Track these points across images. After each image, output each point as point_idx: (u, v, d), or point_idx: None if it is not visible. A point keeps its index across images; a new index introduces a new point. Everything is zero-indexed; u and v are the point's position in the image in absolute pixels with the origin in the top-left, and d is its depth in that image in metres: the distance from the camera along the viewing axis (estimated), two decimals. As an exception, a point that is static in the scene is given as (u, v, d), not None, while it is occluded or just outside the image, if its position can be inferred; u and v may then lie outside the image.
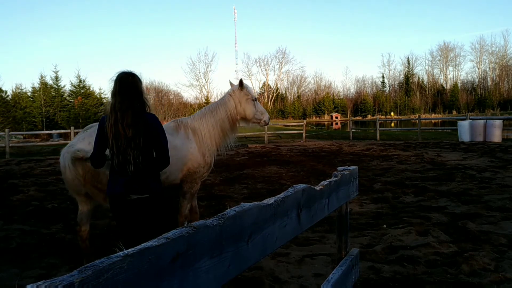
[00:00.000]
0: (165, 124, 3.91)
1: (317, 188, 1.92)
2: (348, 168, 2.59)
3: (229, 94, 4.38)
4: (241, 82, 4.36)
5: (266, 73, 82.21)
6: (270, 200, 1.40)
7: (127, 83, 2.69)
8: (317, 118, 67.25)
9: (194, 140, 4.12)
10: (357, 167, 2.82)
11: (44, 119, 43.50)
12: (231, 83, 4.59)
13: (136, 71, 2.85)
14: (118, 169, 2.69)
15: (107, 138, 2.67)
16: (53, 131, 25.70)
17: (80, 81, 47.47)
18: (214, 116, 4.25)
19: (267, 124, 4.58)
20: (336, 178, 2.27)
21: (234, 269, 1.16)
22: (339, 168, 2.56)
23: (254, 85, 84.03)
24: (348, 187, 2.53)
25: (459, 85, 78.40)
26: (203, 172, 4.19)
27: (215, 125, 4.23)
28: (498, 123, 16.62)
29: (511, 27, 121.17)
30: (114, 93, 2.68)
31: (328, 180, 2.14)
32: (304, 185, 1.74)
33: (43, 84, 46.20)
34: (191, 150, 4.07)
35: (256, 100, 4.41)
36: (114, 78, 2.74)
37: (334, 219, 3.67)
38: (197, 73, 77.86)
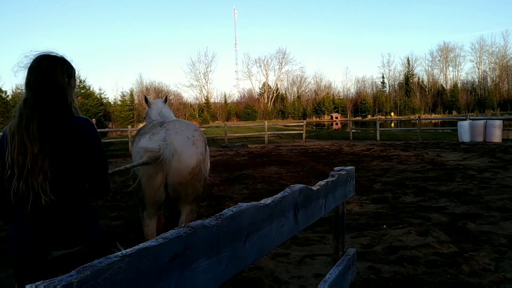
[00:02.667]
0: (184, 121, 3.67)
1: (314, 188, 1.93)
2: (345, 168, 2.60)
3: (165, 106, 4.54)
4: (167, 97, 4.75)
5: (266, 74, 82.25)
6: (267, 200, 1.41)
7: (40, 70, 1.82)
8: (317, 118, 67.24)
9: None
10: (353, 167, 2.83)
11: (44, 120, 43.42)
12: (146, 98, 4.67)
13: (59, 53, 1.93)
14: (17, 203, 1.78)
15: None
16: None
17: (80, 81, 47.47)
18: None
19: None
20: (333, 178, 2.28)
21: (231, 269, 1.17)
22: (336, 168, 2.57)
23: (254, 85, 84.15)
24: (345, 187, 2.54)
25: (459, 85, 78.35)
26: None
27: None
28: (498, 123, 16.62)
29: (511, 27, 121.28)
30: (25, 85, 1.84)
31: (325, 180, 2.15)
32: (301, 185, 1.75)
33: (44, 84, 46.13)
34: None
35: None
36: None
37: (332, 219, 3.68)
38: (197, 74, 77.86)
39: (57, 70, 1.85)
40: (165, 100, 4.66)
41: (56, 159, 1.74)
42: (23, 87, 1.87)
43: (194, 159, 3.17)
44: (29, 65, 1.84)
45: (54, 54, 1.89)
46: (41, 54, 1.86)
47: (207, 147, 3.62)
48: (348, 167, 2.68)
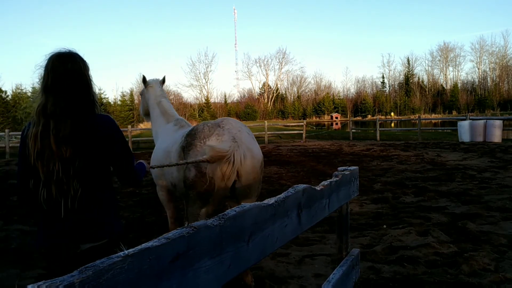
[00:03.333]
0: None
1: (318, 188, 1.92)
2: (349, 168, 2.59)
3: (164, 92, 4.48)
4: (164, 79, 4.48)
5: (266, 73, 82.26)
6: (271, 200, 1.41)
7: (64, 72, 1.77)
8: (317, 118, 67.25)
9: None
10: (357, 167, 2.82)
11: (44, 119, 43.44)
12: (144, 77, 4.43)
13: (77, 51, 1.89)
14: (49, 207, 1.77)
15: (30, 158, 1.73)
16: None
17: (80, 81, 47.43)
18: None
19: None
20: (337, 178, 2.28)
21: (234, 269, 1.16)
22: (339, 168, 2.57)
23: (254, 85, 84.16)
24: (349, 187, 2.53)
25: (459, 85, 78.38)
26: None
27: None
28: (498, 123, 16.62)
29: (511, 27, 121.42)
30: (45, 88, 1.78)
31: (328, 180, 2.14)
32: (304, 185, 1.74)
33: (43, 84, 46.15)
34: None
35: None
36: (45, 63, 1.82)
37: (335, 220, 3.67)
38: (197, 73, 77.88)
39: (82, 69, 1.85)
40: (163, 81, 4.48)
41: (86, 160, 1.76)
42: (40, 89, 1.82)
43: (260, 154, 3.19)
44: (47, 65, 1.80)
45: (71, 52, 1.87)
46: (59, 53, 1.82)
47: None
48: (352, 167, 2.67)
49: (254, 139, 3.21)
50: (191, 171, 3.03)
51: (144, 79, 4.35)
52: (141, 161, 2.29)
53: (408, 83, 79.64)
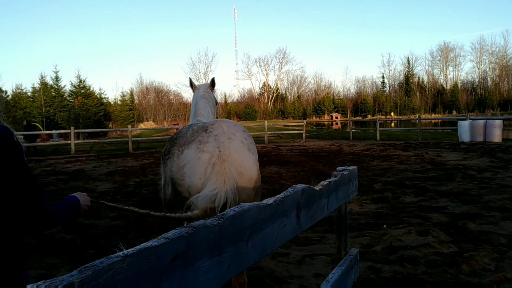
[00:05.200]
0: (227, 120, 2.98)
1: (317, 188, 1.92)
2: (348, 168, 2.60)
3: (207, 94, 3.75)
4: (213, 81, 3.84)
5: (266, 73, 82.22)
6: (270, 200, 1.41)
7: None
8: (317, 118, 67.23)
9: None
10: (356, 167, 2.82)
11: (44, 119, 43.52)
12: (191, 80, 3.96)
13: None
14: None
15: None
16: (53, 131, 25.71)
17: (80, 81, 47.52)
18: (209, 117, 3.61)
19: None
20: (336, 178, 2.28)
21: (233, 269, 1.16)
22: (338, 168, 2.57)
23: (254, 85, 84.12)
24: (348, 187, 2.53)
25: (459, 85, 78.35)
26: None
27: None
28: (498, 123, 16.62)
29: (511, 27, 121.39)
30: None
31: (327, 180, 2.14)
32: (303, 185, 1.74)
33: (43, 84, 46.21)
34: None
35: (217, 104, 3.96)
36: None
37: (334, 219, 3.67)
38: (197, 73, 77.79)
39: None
40: (212, 84, 3.85)
41: None
42: None
43: (255, 169, 2.53)
44: None
45: None
46: None
47: None
48: (351, 167, 2.67)
49: (250, 148, 2.57)
50: (168, 188, 2.55)
51: (190, 82, 3.97)
52: (75, 194, 1.77)
53: (408, 83, 79.61)
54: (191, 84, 3.92)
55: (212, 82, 3.86)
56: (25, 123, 21.73)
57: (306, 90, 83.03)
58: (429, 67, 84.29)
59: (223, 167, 2.32)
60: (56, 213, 1.58)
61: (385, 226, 4.98)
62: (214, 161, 2.34)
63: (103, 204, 2.06)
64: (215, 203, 2.23)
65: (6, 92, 41.67)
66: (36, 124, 23.43)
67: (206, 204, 2.21)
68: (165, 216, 2.20)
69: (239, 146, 2.50)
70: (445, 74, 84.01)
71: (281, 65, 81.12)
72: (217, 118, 3.88)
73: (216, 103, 3.97)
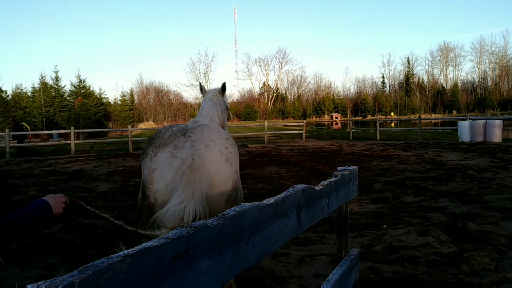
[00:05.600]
0: (188, 123, 2.94)
1: (317, 188, 1.92)
2: (348, 168, 2.59)
3: (215, 97, 3.65)
4: (224, 85, 3.74)
5: (266, 73, 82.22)
6: (270, 200, 1.41)
7: None
8: (317, 118, 67.23)
9: None
10: (357, 167, 2.82)
11: (44, 119, 43.52)
12: (201, 85, 3.96)
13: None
14: None
15: None
16: (53, 131, 25.71)
17: (80, 81, 47.54)
18: (215, 120, 3.50)
19: None
20: (336, 178, 2.28)
21: (234, 269, 1.16)
22: (339, 168, 2.57)
23: (254, 85, 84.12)
24: (348, 187, 2.53)
25: (459, 85, 78.37)
26: None
27: None
28: (498, 123, 16.62)
29: (511, 27, 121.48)
30: None
31: (328, 180, 2.14)
32: (304, 185, 1.74)
33: (43, 84, 46.21)
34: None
35: (228, 110, 3.88)
36: None
37: (334, 219, 3.67)
38: (197, 73, 77.78)
39: None
40: (222, 89, 3.73)
41: None
42: None
43: (230, 182, 2.34)
44: None
45: None
46: None
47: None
48: (352, 167, 2.67)
49: (229, 159, 2.37)
50: (139, 194, 2.42)
51: (200, 87, 3.92)
52: (45, 197, 1.70)
53: (408, 83, 79.62)
54: (201, 89, 3.87)
55: (223, 87, 3.74)
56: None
57: (306, 90, 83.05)
58: (429, 67, 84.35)
59: (192, 176, 2.15)
60: (11, 222, 1.45)
61: (385, 226, 4.98)
62: (185, 169, 2.17)
63: (81, 206, 1.92)
64: (183, 220, 2.05)
65: (6, 92, 41.68)
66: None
67: (174, 222, 2.03)
68: (136, 232, 2.03)
69: (216, 155, 2.32)
70: (445, 74, 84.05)
71: (281, 65, 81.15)
72: (227, 123, 3.83)
73: (227, 108, 3.86)
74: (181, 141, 2.31)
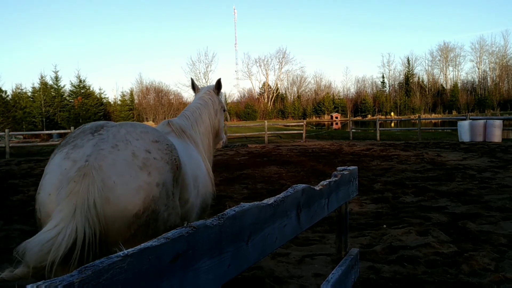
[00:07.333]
0: (158, 127, 2.76)
1: (317, 188, 1.92)
2: (348, 168, 2.59)
3: (208, 96, 3.29)
4: (219, 82, 3.36)
5: (266, 73, 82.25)
6: (270, 200, 1.41)
7: None
8: (317, 118, 67.25)
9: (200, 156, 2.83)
10: (356, 167, 2.82)
11: (44, 119, 43.52)
12: (193, 81, 3.50)
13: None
14: None
15: None
16: (53, 131, 25.74)
17: (80, 81, 47.56)
18: (203, 122, 3.13)
19: (223, 145, 3.64)
20: (336, 178, 2.28)
21: (234, 269, 1.16)
22: (338, 168, 2.57)
23: (254, 85, 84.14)
24: (348, 187, 2.53)
25: (459, 85, 78.42)
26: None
27: (204, 135, 3.09)
28: (498, 123, 16.62)
29: (511, 27, 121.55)
30: None
31: (327, 180, 2.14)
32: (303, 185, 1.74)
33: (43, 84, 46.22)
34: (205, 171, 2.71)
35: (226, 111, 3.54)
36: None
37: (334, 219, 3.66)
38: (197, 73, 77.80)
39: None
40: (217, 86, 3.37)
41: None
42: None
43: (138, 197, 1.72)
44: None
45: None
46: None
47: (186, 170, 2.20)
48: (351, 167, 2.67)
49: (146, 166, 1.79)
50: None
51: (192, 84, 3.52)
52: None
53: (408, 83, 79.63)
54: (193, 86, 3.46)
55: (218, 84, 3.34)
56: None
57: (306, 90, 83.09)
58: (429, 67, 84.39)
59: (79, 185, 1.62)
60: None
61: (385, 226, 4.98)
62: (72, 174, 1.65)
63: None
64: (53, 254, 1.47)
65: (6, 92, 41.67)
66: None
67: (37, 259, 1.48)
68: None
69: (124, 159, 1.75)
70: (445, 74, 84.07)
71: (281, 65, 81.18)
72: (224, 125, 3.42)
73: (224, 109, 3.46)
74: (85, 139, 1.82)
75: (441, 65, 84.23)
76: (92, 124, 1.99)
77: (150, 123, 50.96)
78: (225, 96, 78.17)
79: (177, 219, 1.96)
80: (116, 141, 1.80)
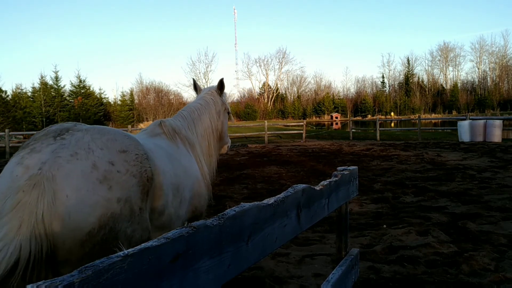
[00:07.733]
0: (148, 127, 2.68)
1: (317, 188, 1.92)
2: (348, 168, 2.59)
3: (209, 96, 3.17)
4: (222, 82, 3.24)
5: (266, 73, 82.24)
6: (270, 200, 1.41)
7: None
8: (317, 118, 67.25)
9: (195, 159, 2.71)
10: (357, 167, 2.82)
11: (44, 119, 43.52)
12: (194, 82, 3.39)
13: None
14: None
15: None
16: (53, 131, 25.70)
17: (80, 81, 47.58)
18: (202, 123, 3.02)
19: (227, 150, 3.52)
20: (336, 178, 2.28)
21: (234, 269, 1.16)
22: (339, 168, 2.57)
23: (254, 85, 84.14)
24: (348, 187, 2.53)
25: (459, 85, 78.43)
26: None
27: (204, 137, 2.99)
28: (498, 123, 16.62)
29: (511, 27, 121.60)
30: None
31: (328, 180, 2.14)
32: (304, 185, 1.74)
33: (43, 84, 46.23)
34: (198, 176, 2.60)
35: (230, 113, 3.38)
36: None
37: (334, 219, 3.66)
38: (197, 73, 77.82)
39: None
40: (219, 87, 3.24)
41: None
42: None
43: (94, 214, 1.57)
44: None
45: None
46: None
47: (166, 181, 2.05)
48: (351, 167, 2.67)
49: (106, 180, 1.63)
50: None
51: (194, 84, 3.43)
52: None
53: (408, 83, 79.65)
54: (195, 87, 3.35)
55: (220, 85, 3.20)
56: None
57: (306, 90, 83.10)
58: (429, 67, 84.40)
59: (28, 195, 1.46)
60: None
61: (385, 226, 4.98)
62: (21, 182, 1.49)
63: None
64: None
65: (6, 92, 41.68)
66: None
67: None
68: None
69: (81, 170, 1.59)
70: (445, 74, 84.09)
71: (281, 65, 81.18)
72: (226, 129, 3.29)
73: (228, 111, 3.35)
74: (45, 143, 1.65)
75: (441, 65, 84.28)
76: (59, 126, 1.80)
77: (150, 123, 50.98)
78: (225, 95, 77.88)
79: (145, 234, 1.81)
80: (77, 148, 1.64)
